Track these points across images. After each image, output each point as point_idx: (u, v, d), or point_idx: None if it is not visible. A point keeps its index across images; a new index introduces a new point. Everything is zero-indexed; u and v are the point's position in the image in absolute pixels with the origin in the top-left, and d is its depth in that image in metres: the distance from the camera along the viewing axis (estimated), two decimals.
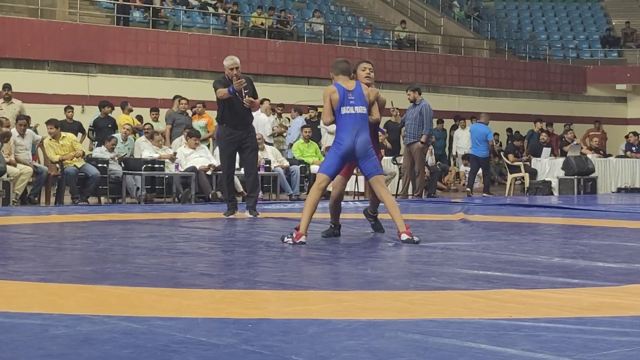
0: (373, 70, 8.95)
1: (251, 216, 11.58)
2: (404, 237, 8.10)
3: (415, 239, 8.06)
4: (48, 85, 21.72)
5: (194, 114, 18.92)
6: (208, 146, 17.71)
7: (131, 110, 18.89)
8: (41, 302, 4.91)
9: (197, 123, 18.34)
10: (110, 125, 18.04)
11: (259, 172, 13.47)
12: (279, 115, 20.37)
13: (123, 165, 15.93)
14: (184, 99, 18.42)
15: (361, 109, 8.41)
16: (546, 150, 21.03)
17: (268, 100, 18.55)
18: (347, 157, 8.38)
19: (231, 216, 11.66)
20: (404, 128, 17.45)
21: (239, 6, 27.78)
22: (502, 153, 21.08)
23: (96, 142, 17.75)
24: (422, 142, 16.73)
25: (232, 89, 11.26)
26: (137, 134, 18.00)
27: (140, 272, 6.20)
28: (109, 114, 18.34)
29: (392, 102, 17.68)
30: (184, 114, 18.39)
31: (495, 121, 25.09)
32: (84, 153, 15.43)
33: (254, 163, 11.99)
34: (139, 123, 18.65)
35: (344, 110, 8.36)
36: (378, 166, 8.50)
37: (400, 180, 17.42)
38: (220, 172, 16.10)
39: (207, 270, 6.42)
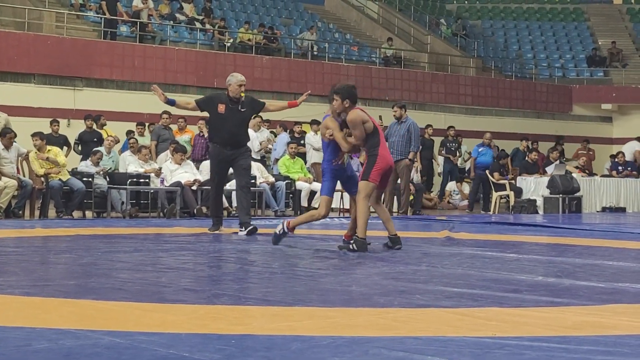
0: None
1: (249, 235, 11.17)
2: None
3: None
4: (34, 99, 21.67)
5: (179, 129, 18.90)
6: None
7: (104, 125, 18.81)
8: (24, 316, 4.89)
9: (181, 138, 18.33)
10: (95, 139, 18.01)
11: (228, 187, 13.49)
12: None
13: (108, 179, 15.91)
14: (165, 113, 18.39)
15: None
16: (553, 166, 21.13)
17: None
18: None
19: (216, 232, 11.59)
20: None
21: (226, 22, 27.82)
22: (487, 171, 21.13)
23: (82, 156, 17.73)
24: (409, 160, 16.80)
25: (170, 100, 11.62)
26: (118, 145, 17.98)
27: (124, 286, 6.18)
28: (93, 127, 18.30)
29: (380, 116, 17.71)
30: (167, 128, 18.38)
31: (480, 139, 25.15)
32: (58, 164, 15.23)
33: (247, 181, 11.79)
34: (114, 135, 18.53)
35: None
36: None
37: (385, 198, 17.42)
38: (206, 187, 16.12)
39: (191, 285, 6.41)
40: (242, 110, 11.50)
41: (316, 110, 24.68)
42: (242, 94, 11.42)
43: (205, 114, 12.20)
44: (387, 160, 9.30)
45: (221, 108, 11.41)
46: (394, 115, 16.95)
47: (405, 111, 17.10)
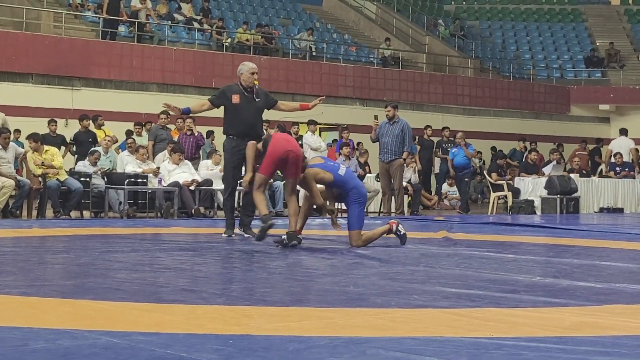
0: None
1: (247, 235, 10.90)
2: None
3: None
4: (32, 99, 21.67)
5: (177, 129, 18.88)
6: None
7: (102, 125, 18.80)
8: (21, 316, 4.89)
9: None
10: (90, 139, 18.02)
11: (239, 188, 13.33)
12: None
13: (106, 179, 15.89)
14: (163, 113, 18.38)
15: None
16: (551, 166, 21.09)
17: None
18: None
19: (232, 235, 11.00)
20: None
21: (224, 22, 27.82)
22: (485, 172, 21.13)
23: (76, 156, 17.73)
24: (404, 160, 16.89)
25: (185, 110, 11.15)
26: (118, 148, 17.97)
27: (121, 286, 6.17)
28: (89, 128, 18.29)
29: (375, 116, 17.72)
30: (164, 128, 18.36)
31: (478, 140, 25.23)
32: (54, 167, 15.18)
33: None
34: (112, 135, 18.56)
35: None
36: None
37: (383, 199, 17.41)
38: (203, 187, 16.11)
39: (188, 285, 6.40)
40: (257, 100, 11.07)
41: (314, 110, 24.65)
42: (255, 82, 11.02)
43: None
44: (276, 149, 9.62)
45: (235, 98, 10.96)
46: (387, 115, 16.94)
47: (397, 111, 17.17)
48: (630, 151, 24.01)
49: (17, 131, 19.17)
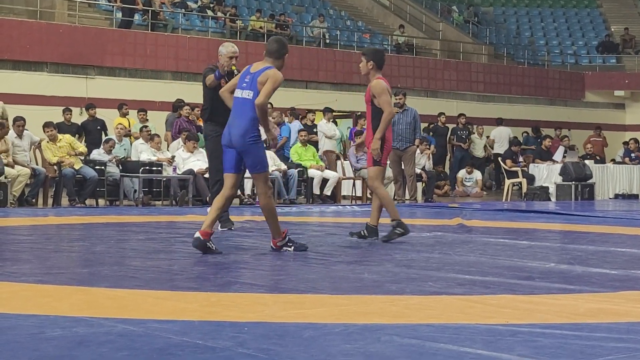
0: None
1: (222, 229, 10.07)
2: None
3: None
4: (47, 87, 21.69)
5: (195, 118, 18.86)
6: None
7: (127, 114, 18.85)
8: (37, 304, 4.91)
9: None
10: (99, 127, 18.06)
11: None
12: None
13: (121, 167, 15.93)
14: (179, 101, 18.39)
15: (247, 94, 8.19)
16: (561, 150, 21.04)
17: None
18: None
19: (231, 228, 10.23)
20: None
21: (237, 9, 27.81)
22: (499, 158, 21.06)
23: (85, 144, 17.77)
24: (417, 146, 17.07)
25: (218, 73, 9.99)
26: (132, 137, 18.00)
27: (137, 274, 6.19)
28: (96, 116, 18.31)
29: (396, 103, 17.73)
30: (180, 117, 18.31)
31: (492, 126, 25.13)
32: (81, 153, 15.36)
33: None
34: (135, 122, 18.61)
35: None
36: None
37: (395, 187, 17.40)
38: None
39: (203, 273, 6.42)
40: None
41: (328, 98, 24.72)
42: (234, 67, 10.04)
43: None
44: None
45: (216, 84, 9.97)
46: (398, 103, 16.92)
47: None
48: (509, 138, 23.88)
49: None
